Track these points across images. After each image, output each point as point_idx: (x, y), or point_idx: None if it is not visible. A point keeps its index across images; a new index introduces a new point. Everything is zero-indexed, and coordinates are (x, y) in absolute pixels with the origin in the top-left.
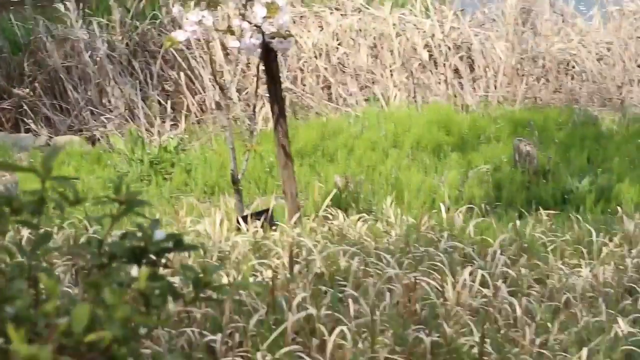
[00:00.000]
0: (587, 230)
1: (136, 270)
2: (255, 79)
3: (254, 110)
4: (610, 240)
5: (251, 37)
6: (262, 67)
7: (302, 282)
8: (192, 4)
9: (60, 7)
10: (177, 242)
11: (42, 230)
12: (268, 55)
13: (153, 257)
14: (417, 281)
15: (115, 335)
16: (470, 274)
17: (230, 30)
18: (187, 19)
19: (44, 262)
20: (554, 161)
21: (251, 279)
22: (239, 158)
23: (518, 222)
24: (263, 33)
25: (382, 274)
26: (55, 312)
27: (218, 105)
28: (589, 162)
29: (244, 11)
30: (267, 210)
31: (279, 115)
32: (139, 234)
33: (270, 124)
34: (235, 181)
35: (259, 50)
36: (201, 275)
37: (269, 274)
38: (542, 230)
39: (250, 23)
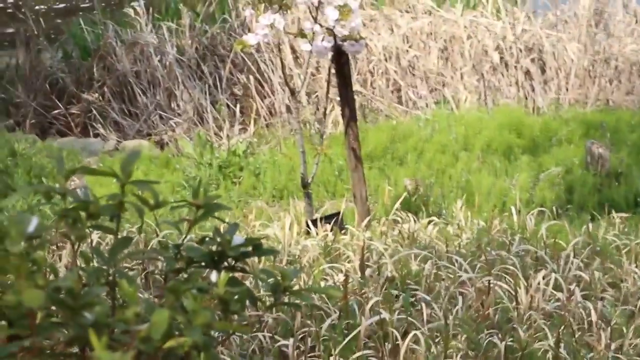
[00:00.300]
0: None
1: (214, 276)
2: (325, 82)
3: (324, 114)
4: None
5: (323, 40)
6: (333, 70)
7: (374, 286)
8: (262, 7)
9: (130, 11)
10: (257, 247)
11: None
12: (340, 58)
13: (231, 262)
14: (490, 285)
15: (195, 341)
16: (544, 277)
17: (302, 33)
18: (258, 22)
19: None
20: (626, 163)
21: (322, 283)
22: (309, 161)
23: (590, 225)
24: (335, 36)
25: (455, 277)
26: (135, 319)
27: (288, 109)
28: None
29: (315, 14)
30: (337, 214)
31: (350, 118)
32: (218, 239)
33: (340, 128)
34: (305, 185)
35: (331, 53)
36: (280, 280)
37: (340, 278)
38: (614, 233)
39: (322, 26)
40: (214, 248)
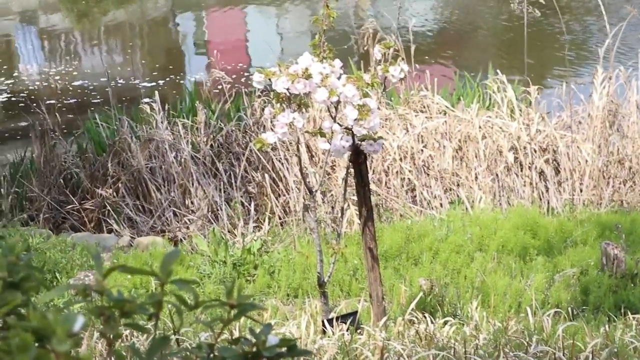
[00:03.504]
0: None
1: None
2: (342, 181)
3: (342, 213)
4: None
5: (341, 139)
6: (350, 170)
7: None
8: (277, 105)
9: (146, 107)
10: (291, 348)
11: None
12: (357, 157)
13: None
14: None
15: None
16: None
17: (320, 132)
18: (277, 120)
19: None
20: None
21: None
22: (325, 261)
23: (607, 327)
24: (353, 135)
25: None
26: None
27: (306, 208)
28: None
29: (334, 113)
30: (353, 314)
31: (367, 217)
32: (252, 339)
33: (354, 227)
34: (321, 284)
35: (348, 152)
36: None
37: None
38: (632, 335)
39: (341, 125)
40: (246, 348)
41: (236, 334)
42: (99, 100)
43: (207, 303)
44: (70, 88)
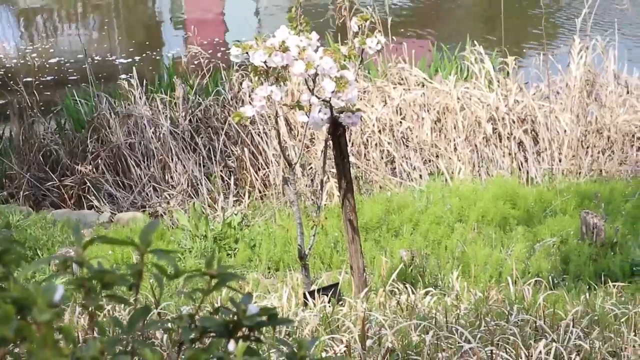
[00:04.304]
0: None
1: (232, 346)
2: (321, 153)
3: (322, 185)
4: None
5: (319, 111)
6: (329, 142)
7: (375, 357)
8: (255, 79)
9: (124, 83)
10: (272, 316)
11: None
12: (336, 130)
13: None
14: (493, 355)
15: None
16: (544, 347)
17: (298, 105)
18: (255, 93)
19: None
20: (621, 233)
21: (323, 354)
22: (305, 233)
23: (588, 295)
24: (331, 107)
25: (457, 348)
26: None
27: (285, 181)
28: None
29: (312, 86)
30: (334, 285)
31: (347, 190)
32: (233, 308)
33: (334, 200)
34: (302, 256)
35: (327, 125)
36: (296, 350)
37: (340, 349)
38: (612, 303)
39: (319, 98)
40: (227, 318)
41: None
42: (76, 77)
43: (187, 273)
44: (47, 65)
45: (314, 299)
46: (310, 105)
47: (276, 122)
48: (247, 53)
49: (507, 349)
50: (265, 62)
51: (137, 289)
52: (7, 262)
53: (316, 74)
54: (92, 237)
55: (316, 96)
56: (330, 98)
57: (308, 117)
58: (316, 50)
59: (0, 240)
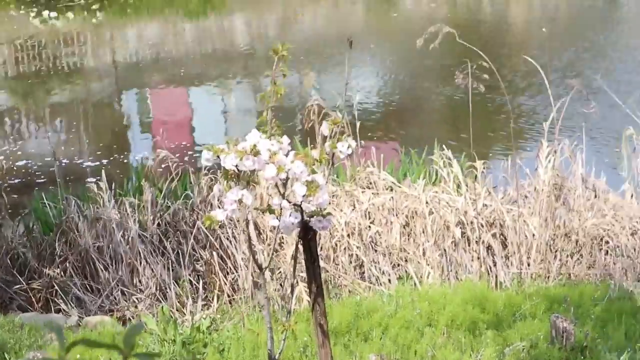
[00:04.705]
0: None
1: None
2: (291, 258)
3: (292, 289)
4: None
5: (290, 215)
6: (299, 246)
7: None
8: (224, 183)
9: (93, 186)
10: None
11: None
12: (307, 234)
13: None
14: None
15: None
16: None
17: (269, 209)
18: (226, 197)
19: None
20: (591, 337)
21: None
22: (275, 338)
23: None
24: (302, 211)
25: None
26: None
27: (256, 285)
28: (626, 338)
29: (283, 190)
30: None
31: (317, 294)
32: None
33: (304, 304)
34: None
35: (297, 229)
36: None
37: None
38: None
39: (290, 202)
40: None
41: None
42: (44, 180)
43: None
44: (15, 168)
45: None
46: (282, 209)
47: (247, 226)
48: (218, 157)
49: None
50: (236, 165)
51: None
52: None
53: (287, 178)
54: (75, 340)
55: (287, 200)
56: (301, 202)
57: (279, 221)
58: (287, 154)
59: None
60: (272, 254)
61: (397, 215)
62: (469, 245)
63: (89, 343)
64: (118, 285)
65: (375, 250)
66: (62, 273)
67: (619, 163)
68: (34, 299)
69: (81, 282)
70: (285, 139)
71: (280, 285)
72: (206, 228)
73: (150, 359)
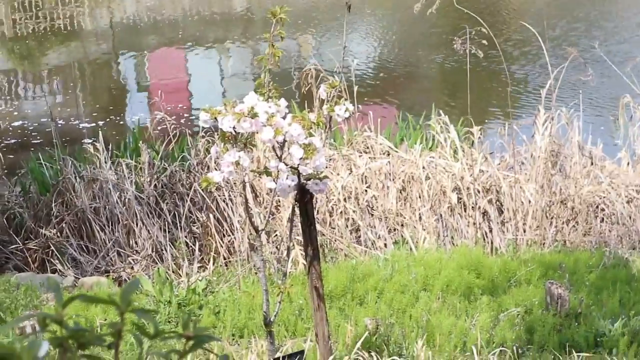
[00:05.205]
0: None
1: None
2: (288, 221)
3: (288, 252)
4: None
5: (287, 178)
6: (296, 209)
7: None
8: (221, 145)
9: (89, 147)
10: None
11: None
12: (303, 197)
13: None
14: None
15: None
16: None
17: (266, 171)
18: (223, 159)
19: None
20: (585, 304)
21: None
22: (270, 300)
23: None
24: (299, 174)
25: None
26: None
27: (252, 247)
28: (621, 305)
29: (280, 153)
30: (300, 353)
31: (313, 257)
32: None
33: (299, 267)
34: (267, 323)
35: (294, 192)
36: None
37: None
38: None
39: (286, 164)
40: None
41: None
42: (39, 141)
43: (165, 334)
44: (11, 128)
45: None
46: (278, 171)
47: (243, 188)
48: (215, 119)
49: None
50: (234, 127)
51: (117, 348)
52: None
53: (284, 141)
54: (72, 295)
55: (284, 163)
56: (298, 165)
57: (276, 183)
58: (284, 117)
59: None
60: (269, 216)
61: (393, 179)
62: (465, 211)
63: (86, 298)
64: (114, 247)
65: (372, 215)
66: (58, 233)
67: (616, 131)
68: (30, 259)
69: (77, 243)
70: (283, 102)
71: (277, 248)
72: (203, 190)
73: (147, 315)
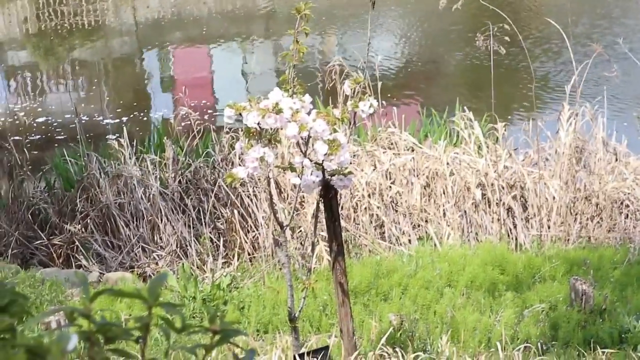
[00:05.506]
0: None
1: None
2: (312, 217)
3: (312, 248)
4: None
5: (312, 174)
6: (320, 205)
7: None
8: (246, 141)
9: (114, 143)
10: None
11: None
12: (328, 192)
13: None
14: None
15: None
16: None
17: (291, 167)
18: (248, 155)
19: None
20: (610, 300)
21: None
22: (295, 296)
23: None
24: (324, 170)
25: None
26: None
27: (277, 243)
28: None
29: (305, 148)
30: (325, 349)
31: (338, 253)
32: None
33: (324, 263)
34: (292, 319)
35: (318, 187)
36: None
37: None
38: None
39: (311, 160)
40: None
41: None
42: (64, 137)
43: (192, 327)
44: (35, 124)
45: None
46: (303, 167)
47: (268, 184)
48: (240, 114)
49: None
50: (258, 123)
51: (145, 342)
52: (13, 313)
53: (309, 137)
54: (99, 289)
55: (309, 159)
56: (322, 161)
57: (300, 179)
58: (309, 113)
59: (6, 291)
60: (293, 212)
61: (417, 175)
62: (489, 207)
63: (113, 292)
64: (139, 242)
65: (396, 211)
66: (83, 229)
67: None
68: (54, 255)
69: (102, 239)
70: (307, 98)
71: (301, 243)
72: (227, 186)
73: (174, 309)
